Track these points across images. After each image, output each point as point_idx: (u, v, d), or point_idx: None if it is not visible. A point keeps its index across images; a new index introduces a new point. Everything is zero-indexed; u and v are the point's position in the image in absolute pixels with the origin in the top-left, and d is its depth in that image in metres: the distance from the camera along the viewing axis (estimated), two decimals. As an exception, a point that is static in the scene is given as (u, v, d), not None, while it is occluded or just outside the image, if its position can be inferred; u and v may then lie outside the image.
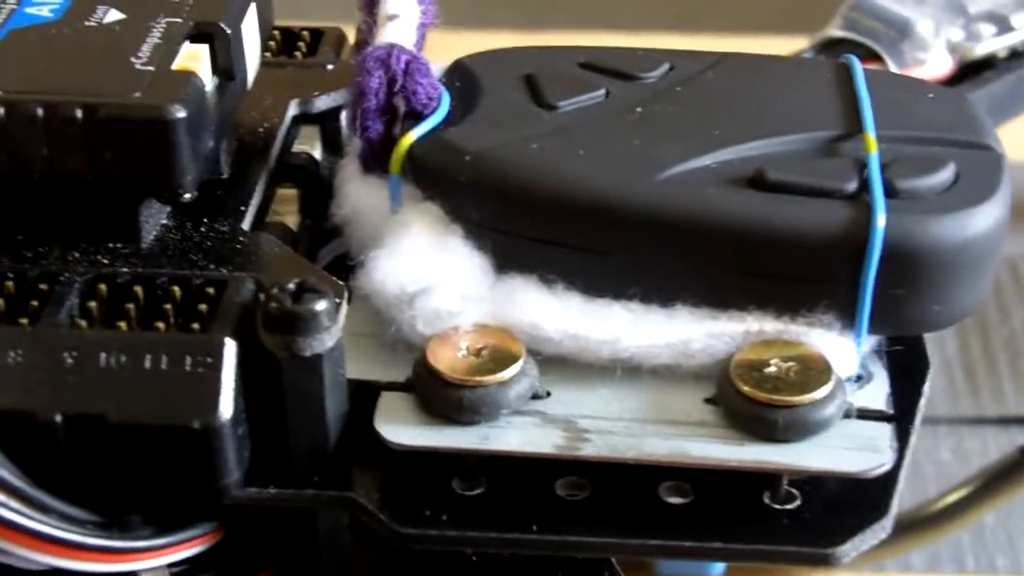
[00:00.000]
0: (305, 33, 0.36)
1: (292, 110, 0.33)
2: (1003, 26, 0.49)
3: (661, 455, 0.27)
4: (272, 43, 0.36)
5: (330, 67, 0.35)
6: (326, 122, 0.35)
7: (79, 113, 0.27)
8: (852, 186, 0.28)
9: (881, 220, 0.27)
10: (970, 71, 0.48)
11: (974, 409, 0.49)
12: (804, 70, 0.32)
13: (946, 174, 0.28)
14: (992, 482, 0.41)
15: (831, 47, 0.49)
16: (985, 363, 0.51)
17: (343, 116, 0.35)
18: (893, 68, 0.47)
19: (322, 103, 0.34)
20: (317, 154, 0.34)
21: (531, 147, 0.29)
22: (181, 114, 0.27)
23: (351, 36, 0.37)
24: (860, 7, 0.50)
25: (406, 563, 0.30)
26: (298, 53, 0.36)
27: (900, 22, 0.49)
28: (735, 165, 0.28)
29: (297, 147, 0.34)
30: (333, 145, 0.35)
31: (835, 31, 0.49)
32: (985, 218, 0.28)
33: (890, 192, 0.28)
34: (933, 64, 0.48)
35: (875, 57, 0.48)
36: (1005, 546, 0.45)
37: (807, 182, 0.28)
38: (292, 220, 0.32)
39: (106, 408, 0.26)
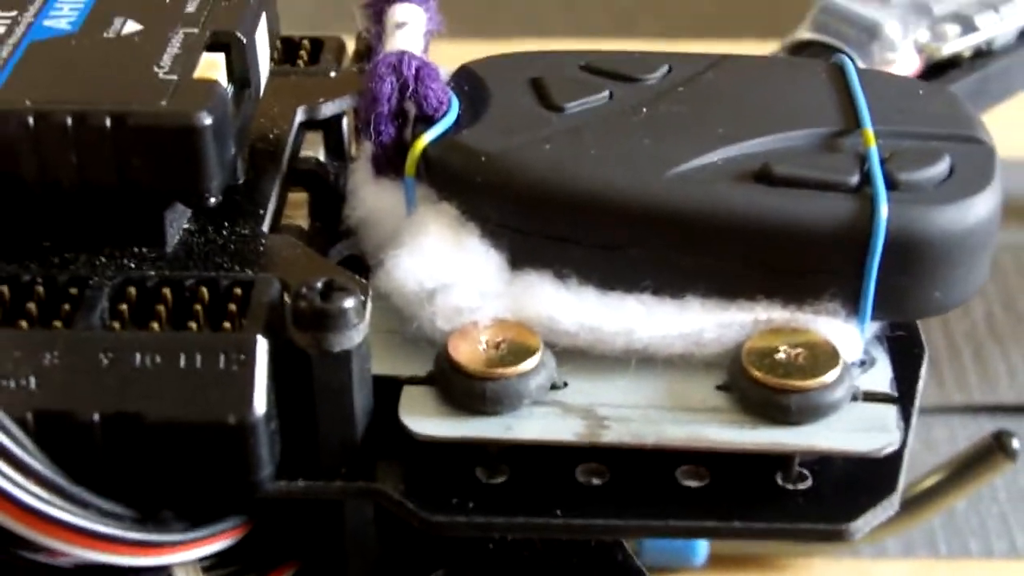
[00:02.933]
0: (306, 42, 0.37)
1: (299, 116, 0.34)
2: (967, 26, 0.51)
3: (680, 439, 0.28)
4: (275, 52, 0.37)
5: (332, 75, 0.36)
6: (329, 128, 0.35)
7: (108, 122, 0.28)
8: (854, 179, 0.29)
9: (884, 211, 0.28)
10: (936, 71, 0.50)
11: (940, 399, 0.50)
12: (799, 70, 0.33)
13: (942, 166, 0.29)
14: (964, 470, 0.42)
15: (801, 49, 0.50)
16: (949, 355, 0.52)
17: (345, 122, 0.36)
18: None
19: (327, 109, 0.35)
20: (321, 157, 0.35)
21: (544, 148, 0.30)
22: (208, 121, 0.28)
23: (350, 45, 0.38)
24: (829, 10, 0.51)
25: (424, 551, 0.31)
26: (300, 62, 0.37)
27: (869, 24, 0.50)
28: (740, 161, 0.30)
29: (303, 153, 0.35)
30: (336, 150, 0.36)
31: (805, 33, 0.51)
32: (982, 207, 0.29)
33: (891, 184, 0.29)
34: (901, 64, 0.49)
35: (844, 58, 0.49)
36: (977, 530, 0.46)
37: (811, 176, 0.29)
38: (303, 223, 0.33)
39: (142, 407, 0.27)
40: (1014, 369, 0.52)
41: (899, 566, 0.45)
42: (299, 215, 0.34)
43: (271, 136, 0.33)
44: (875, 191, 0.28)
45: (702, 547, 0.42)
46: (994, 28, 0.51)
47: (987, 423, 0.49)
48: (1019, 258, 0.56)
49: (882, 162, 0.29)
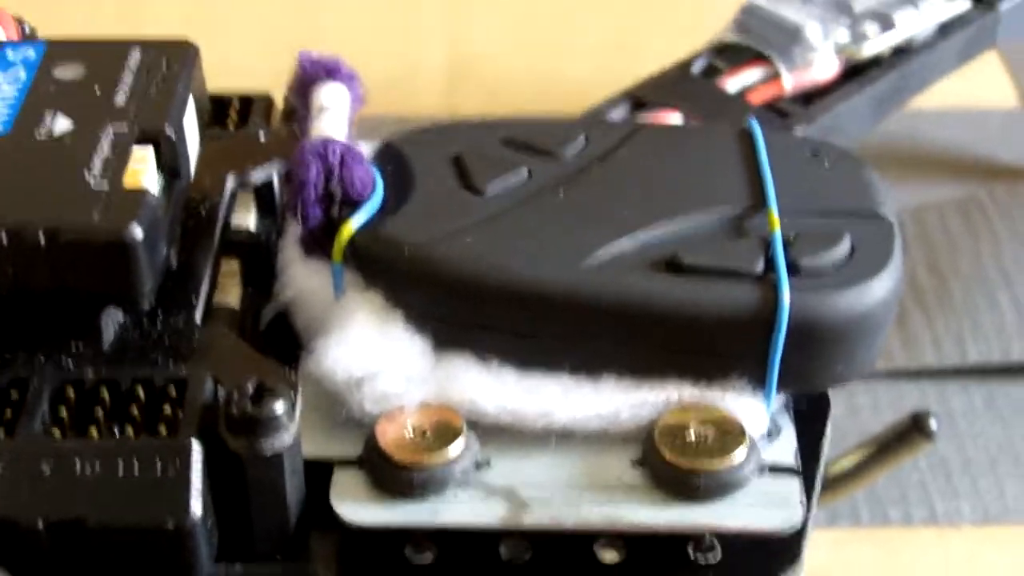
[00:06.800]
0: (235, 101, 0.38)
1: (230, 184, 0.35)
2: (886, 24, 0.52)
3: (597, 522, 0.30)
4: (204, 116, 0.37)
5: (262, 137, 0.37)
6: (260, 190, 0.36)
7: (42, 238, 0.29)
8: (759, 266, 0.30)
9: (786, 299, 0.30)
10: (856, 71, 0.51)
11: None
12: (710, 141, 0.34)
13: (843, 248, 0.31)
14: (883, 449, 0.44)
15: (724, 51, 0.52)
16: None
17: (275, 183, 0.37)
18: (783, 71, 0.50)
19: (258, 176, 0.36)
20: (252, 219, 0.36)
21: (465, 240, 0.31)
22: (139, 235, 0.29)
23: (277, 98, 0.39)
24: (752, 12, 0.52)
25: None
26: (229, 123, 0.38)
27: (790, 27, 0.51)
28: (652, 247, 0.31)
29: (235, 220, 0.36)
30: (268, 209, 0.37)
31: (728, 36, 0.52)
32: (880, 289, 0.30)
33: (793, 270, 0.30)
34: (821, 66, 0.51)
35: (765, 59, 0.50)
36: (897, 499, 0.48)
37: (718, 265, 0.30)
38: (235, 292, 0.34)
39: (84, 513, 0.28)
40: (937, 333, 0.52)
41: (822, 536, 0.46)
42: (231, 283, 0.35)
43: (202, 211, 0.34)
44: (778, 279, 0.30)
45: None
46: (913, 25, 0.52)
47: (910, 389, 0.51)
48: (944, 216, 0.57)
49: (785, 246, 0.31)
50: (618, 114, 0.48)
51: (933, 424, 0.43)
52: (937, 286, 0.54)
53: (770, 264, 0.31)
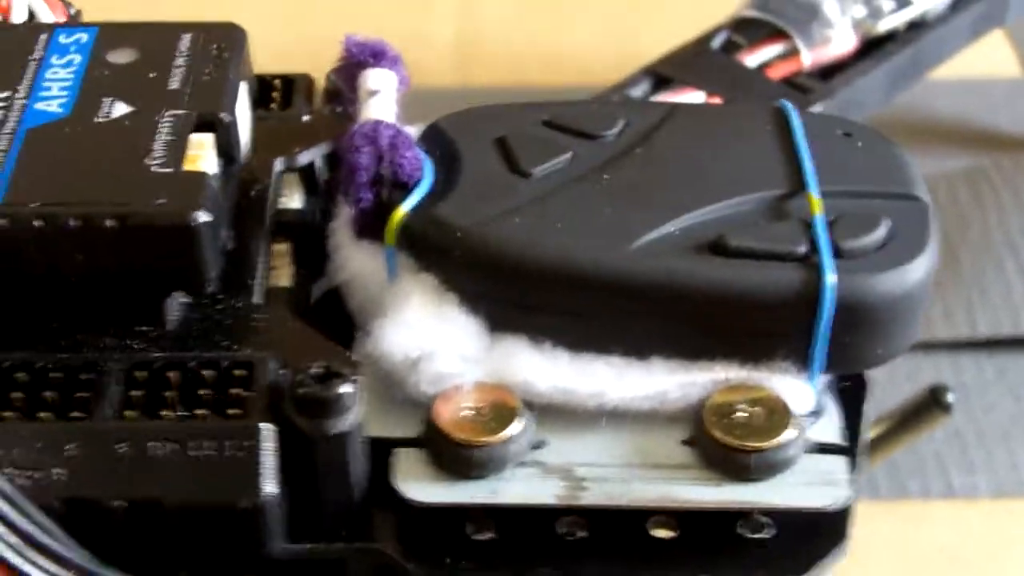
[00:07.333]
0: (277, 82, 0.39)
1: (278, 167, 0.36)
2: (902, 1, 0.53)
3: (650, 500, 0.31)
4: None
5: (305, 118, 0.38)
6: (304, 170, 0.37)
7: (110, 223, 0.30)
8: (802, 248, 0.31)
9: (831, 281, 0.31)
10: (872, 46, 0.52)
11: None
12: (746, 121, 0.35)
13: (882, 230, 0.32)
14: (902, 423, 0.46)
15: (743, 27, 0.52)
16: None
17: (319, 163, 0.37)
18: (802, 46, 0.51)
19: (304, 158, 0.36)
20: (298, 200, 0.37)
21: (515, 221, 0.32)
22: (204, 218, 0.30)
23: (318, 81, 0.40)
24: (770, -12, 0.53)
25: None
26: (273, 105, 0.38)
27: (808, 3, 0.52)
28: (696, 230, 0.32)
29: (283, 202, 0.36)
30: (311, 187, 0.37)
31: (747, 11, 0.53)
32: (919, 270, 0.31)
33: (835, 252, 0.31)
34: (839, 41, 0.51)
35: (784, 35, 0.51)
36: (915, 471, 0.50)
37: (763, 247, 0.31)
38: (287, 273, 0.35)
39: (160, 493, 0.29)
40: (948, 304, 0.53)
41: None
42: (283, 264, 0.35)
43: (253, 193, 0.35)
44: (822, 262, 0.31)
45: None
46: (928, 1, 0.53)
47: (924, 361, 0.52)
48: (953, 187, 0.59)
49: (827, 228, 0.32)
50: (639, 91, 0.49)
51: (951, 397, 0.44)
52: (947, 257, 0.55)
53: (813, 247, 0.31)
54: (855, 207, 0.33)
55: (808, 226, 0.32)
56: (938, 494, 0.49)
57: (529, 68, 0.64)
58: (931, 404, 0.45)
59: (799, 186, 0.33)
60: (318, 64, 0.39)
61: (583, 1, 0.68)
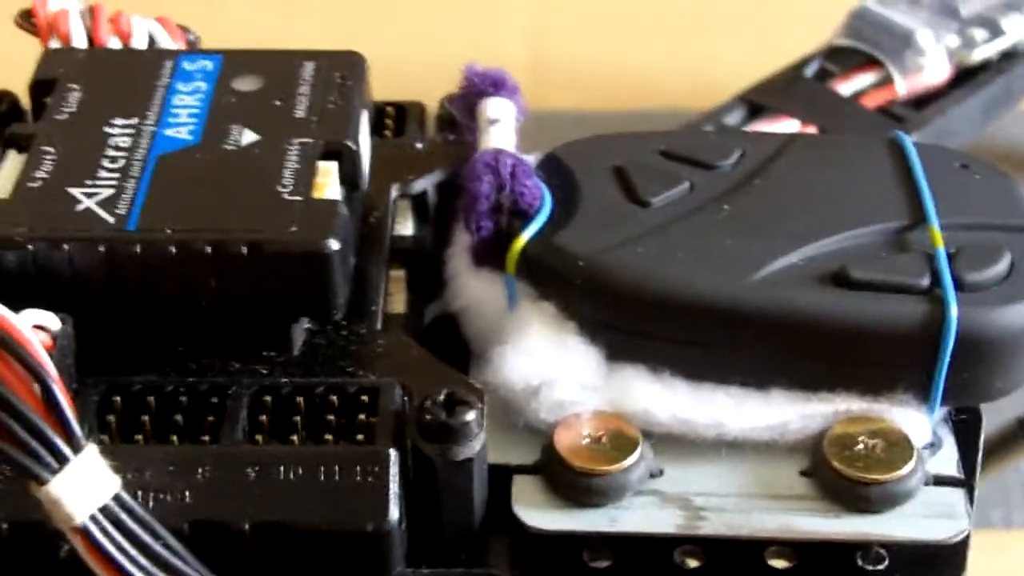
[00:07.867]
0: (390, 109, 0.39)
1: (394, 194, 0.37)
2: (994, 30, 0.53)
3: (770, 530, 0.31)
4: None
5: (419, 145, 0.38)
6: (417, 197, 0.38)
7: (244, 250, 0.30)
8: (925, 281, 0.32)
9: (954, 314, 0.31)
10: (965, 75, 0.52)
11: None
12: (861, 152, 0.35)
13: (1004, 263, 0.32)
14: (990, 454, 0.45)
15: (836, 55, 0.53)
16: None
17: (430, 191, 0.38)
18: (895, 75, 0.51)
19: (418, 186, 0.37)
20: (410, 227, 0.37)
21: (636, 250, 0.32)
22: (336, 246, 0.30)
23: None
24: (863, 17, 0.53)
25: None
26: (387, 132, 0.39)
27: (902, 32, 0.52)
28: (818, 261, 0.32)
29: (398, 229, 0.37)
30: (423, 214, 0.38)
31: (840, 40, 0.53)
32: (1040, 305, 0.32)
33: (957, 285, 0.31)
34: (932, 70, 0.52)
35: (877, 64, 0.51)
36: (999, 501, 0.49)
37: (886, 280, 0.32)
38: (403, 299, 0.36)
39: (287, 516, 0.29)
40: None
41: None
42: (398, 290, 0.36)
43: (372, 220, 0.36)
44: (945, 295, 0.31)
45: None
46: (1021, 31, 0.53)
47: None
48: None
49: (949, 261, 0.32)
50: (734, 118, 0.49)
51: (1038, 428, 0.44)
52: None
53: (935, 279, 0.32)
54: (975, 240, 0.33)
55: (930, 259, 0.32)
56: (1021, 524, 0.49)
57: (602, 92, 0.64)
58: (1018, 434, 0.45)
59: (919, 218, 0.33)
60: (391, 87, 0.39)
61: (655, 25, 0.68)
